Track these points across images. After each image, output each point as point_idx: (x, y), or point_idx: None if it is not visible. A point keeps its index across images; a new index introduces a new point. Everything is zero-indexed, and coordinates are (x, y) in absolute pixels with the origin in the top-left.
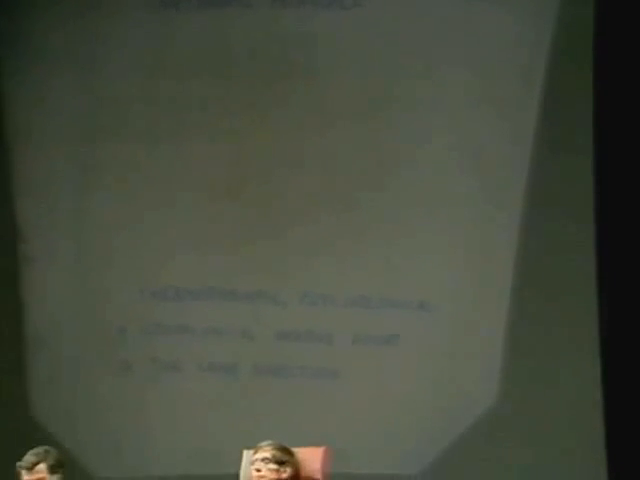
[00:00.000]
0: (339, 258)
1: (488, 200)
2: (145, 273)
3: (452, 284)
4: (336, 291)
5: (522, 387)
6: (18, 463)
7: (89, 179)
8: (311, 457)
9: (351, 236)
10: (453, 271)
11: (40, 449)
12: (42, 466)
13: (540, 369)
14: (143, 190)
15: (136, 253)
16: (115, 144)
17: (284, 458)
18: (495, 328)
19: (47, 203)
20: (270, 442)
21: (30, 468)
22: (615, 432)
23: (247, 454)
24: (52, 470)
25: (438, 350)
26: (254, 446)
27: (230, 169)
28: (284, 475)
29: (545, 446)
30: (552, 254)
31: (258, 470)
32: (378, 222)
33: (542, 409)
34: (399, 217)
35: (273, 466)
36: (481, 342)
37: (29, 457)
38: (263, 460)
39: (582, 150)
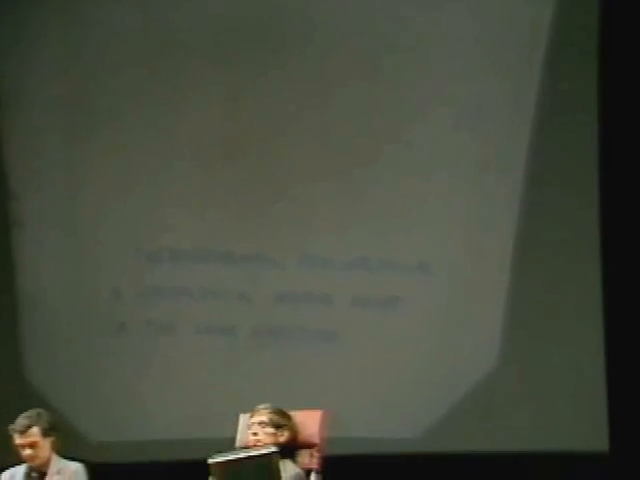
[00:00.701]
0: (338, 220)
1: (488, 168)
2: (140, 234)
3: (453, 246)
4: (335, 253)
5: (523, 351)
6: (10, 426)
7: (82, 138)
8: (309, 421)
9: (351, 198)
10: (453, 233)
11: (33, 412)
12: (35, 429)
13: (541, 333)
14: (139, 150)
15: (131, 214)
16: (110, 103)
17: (281, 422)
18: (496, 291)
19: (39, 164)
20: (267, 405)
21: (23, 431)
22: (617, 394)
23: (244, 418)
24: (45, 433)
25: (438, 313)
26: (251, 410)
27: (228, 130)
28: (281, 439)
29: (545, 410)
30: (554, 219)
31: (255, 434)
32: (378, 185)
33: (543, 373)
34: (399, 181)
35: (270, 430)
36: (481, 305)
37: (21, 420)
38: (260, 424)
39: (586, 118)
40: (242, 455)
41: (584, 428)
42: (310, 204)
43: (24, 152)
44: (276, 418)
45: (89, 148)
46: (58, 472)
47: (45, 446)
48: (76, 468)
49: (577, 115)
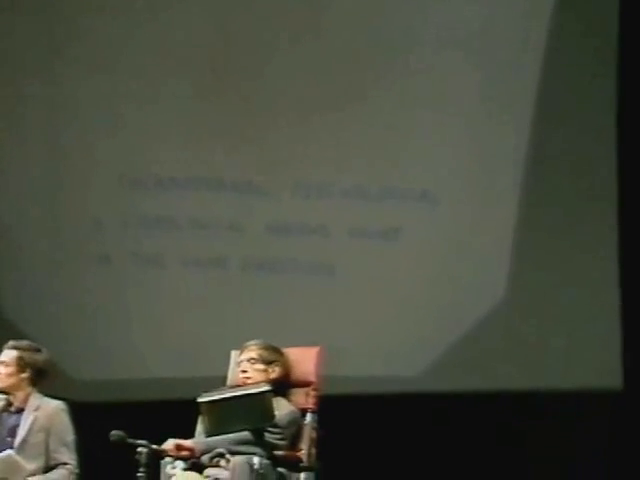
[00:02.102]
0: (335, 149)
1: (494, 96)
2: (124, 159)
3: (457, 174)
4: (331, 181)
5: (530, 285)
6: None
7: (64, 63)
8: (304, 358)
9: (349, 128)
10: (458, 161)
11: (34, 345)
12: (14, 354)
13: (550, 266)
14: (125, 75)
15: (114, 138)
16: (96, 23)
17: (271, 357)
18: (503, 222)
19: (19, 89)
20: (256, 341)
21: (7, 349)
22: (632, 329)
23: (235, 355)
24: (20, 365)
25: (441, 245)
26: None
27: (219, 57)
28: (272, 375)
29: (554, 347)
30: (566, 147)
31: (244, 371)
32: (378, 115)
33: (551, 308)
34: (400, 106)
35: (260, 366)
36: (487, 237)
37: (15, 342)
38: (249, 360)
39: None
40: (232, 394)
41: (596, 365)
42: (305, 134)
43: (3, 77)
44: (266, 354)
45: (71, 74)
46: (37, 409)
47: (18, 377)
48: (56, 405)
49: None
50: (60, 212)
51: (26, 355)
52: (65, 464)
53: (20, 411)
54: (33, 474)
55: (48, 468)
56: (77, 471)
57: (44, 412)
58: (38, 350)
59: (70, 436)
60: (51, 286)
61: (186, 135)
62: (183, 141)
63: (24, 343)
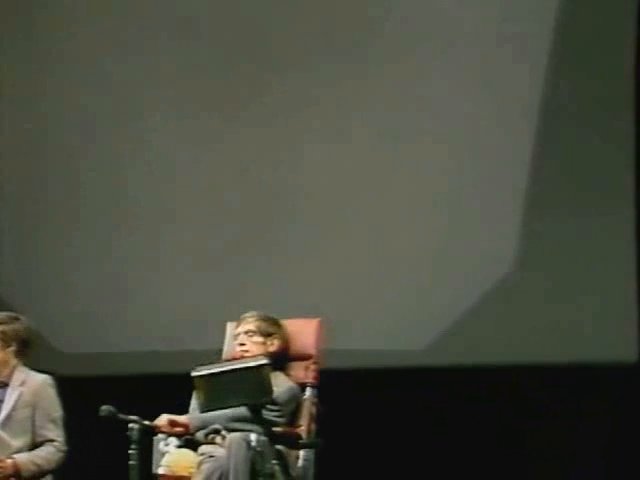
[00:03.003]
0: (341, 96)
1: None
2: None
3: (467, 133)
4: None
5: (543, 253)
6: None
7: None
8: (304, 330)
9: (358, 68)
10: (469, 120)
11: (13, 315)
12: None
13: (564, 232)
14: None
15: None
16: None
17: (271, 330)
18: (512, 189)
19: None
20: (253, 313)
21: None
22: None
23: (231, 327)
24: (4, 340)
25: (448, 213)
26: (238, 318)
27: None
28: (271, 348)
29: (567, 318)
30: (581, 98)
31: (242, 344)
32: (387, 55)
33: (565, 277)
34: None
35: (258, 339)
36: (497, 198)
37: None
38: (247, 333)
39: None
40: (228, 367)
41: (611, 337)
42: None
43: None
44: (265, 326)
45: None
46: (22, 383)
47: (4, 353)
48: (43, 380)
49: None
50: (44, 175)
51: (8, 328)
52: (52, 441)
53: (4, 386)
54: (19, 451)
55: (34, 445)
56: (64, 448)
57: (30, 387)
58: (17, 319)
59: (57, 412)
60: (36, 256)
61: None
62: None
63: (2, 315)
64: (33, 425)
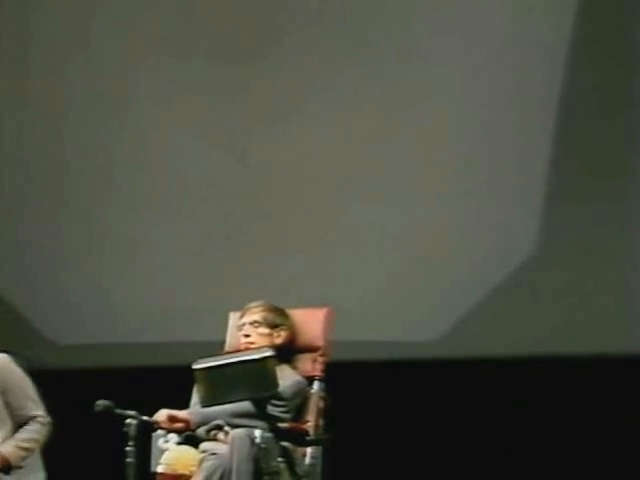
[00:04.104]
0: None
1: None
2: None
3: (485, 115)
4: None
5: (563, 239)
6: None
7: None
8: (310, 320)
9: (367, 55)
10: (487, 101)
11: None
12: None
13: (585, 217)
14: None
15: None
16: None
17: (277, 321)
18: (531, 171)
19: None
20: (259, 303)
21: None
22: None
23: (234, 317)
24: None
25: (463, 195)
26: (241, 308)
27: None
28: (277, 340)
29: (586, 308)
30: (599, 86)
31: (247, 335)
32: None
33: (585, 265)
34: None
35: (264, 330)
36: (514, 186)
37: None
38: (252, 324)
39: None
40: (232, 360)
41: (631, 328)
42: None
43: None
44: (271, 316)
45: None
46: None
47: None
48: (2, 362)
49: None
50: (29, 161)
51: None
52: (34, 417)
53: None
54: (3, 441)
55: (18, 426)
56: (49, 419)
57: None
58: None
59: (29, 385)
60: (25, 242)
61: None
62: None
63: None
64: (10, 409)
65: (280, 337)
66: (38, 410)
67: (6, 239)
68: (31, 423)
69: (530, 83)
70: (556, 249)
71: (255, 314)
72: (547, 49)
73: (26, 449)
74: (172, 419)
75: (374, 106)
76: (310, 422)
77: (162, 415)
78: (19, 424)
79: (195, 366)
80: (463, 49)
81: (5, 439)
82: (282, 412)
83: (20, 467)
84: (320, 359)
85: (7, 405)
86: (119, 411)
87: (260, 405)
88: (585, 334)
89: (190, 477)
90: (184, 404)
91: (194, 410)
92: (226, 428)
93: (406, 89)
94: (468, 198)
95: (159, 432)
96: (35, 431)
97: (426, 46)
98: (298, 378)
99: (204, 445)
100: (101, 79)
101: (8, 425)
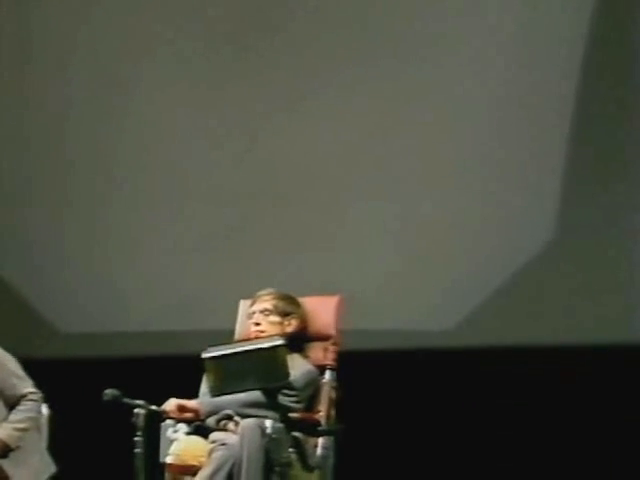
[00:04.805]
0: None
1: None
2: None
3: (501, 102)
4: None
5: (583, 225)
6: None
7: None
8: (322, 308)
9: (379, 53)
10: (503, 88)
11: None
12: None
13: (605, 199)
14: None
15: None
16: None
17: (288, 309)
18: (550, 155)
19: None
20: (270, 290)
21: None
22: None
23: (244, 305)
24: None
25: (480, 180)
26: (252, 295)
27: None
28: (288, 329)
29: (606, 297)
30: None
31: (257, 324)
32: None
33: (605, 252)
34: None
35: (275, 318)
36: (532, 171)
37: None
38: (263, 312)
39: None
40: (242, 348)
41: None
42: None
43: None
44: (282, 305)
45: None
46: None
47: None
48: None
49: None
50: (32, 148)
51: None
52: (24, 395)
53: None
54: None
55: (10, 407)
56: (40, 395)
57: None
58: None
59: (13, 363)
60: (31, 229)
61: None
62: None
63: None
64: (0, 393)
65: (291, 325)
66: (26, 387)
67: (10, 225)
68: (22, 402)
69: (552, 60)
70: (573, 237)
71: (266, 302)
72: (569, 28)
73: (22, 429)
74: (181, 409)
75: (381, 101)
76: (322, 412)
77: (171, 405)
78: (10, 405)
79: (204, 355)
80: (475, 40)
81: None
82: (293, 402)
83: (19, 447)
84: (332, 348)
85: None
86: (127, 400)
87: (271, 395)
88: (606, 322)
89: (199, 468)
90: (193, 393)
91: (203, 400)
92: (236, 418)
93: (414, 83)
94: (488, 183)
95: (168, 422)
96: (28, 409)
97: (439, 37)
98: (309, 367)
99: (214, 435)
100: (102, 75)
101: (2, 410)
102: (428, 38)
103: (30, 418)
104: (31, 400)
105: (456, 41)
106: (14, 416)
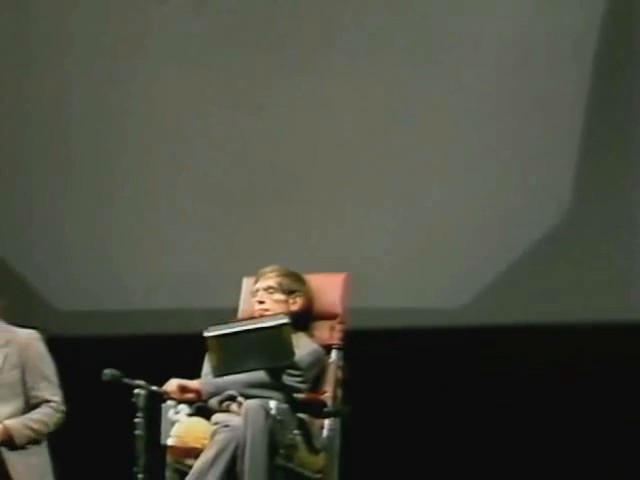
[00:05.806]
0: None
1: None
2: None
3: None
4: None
5: (598, 203)
6: None
7: None
8: (328, 285)
9: (387, 45)
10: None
11: None
12: None
13: (621, 180)
14: None
15: None
16: None
17: (293, 286)
18: (565, 131)
19: None
20: (274, 268)
21: None
22: None
23: (248, 282)
24: None
25: (494, 153)
26: (255, 272)
27: None
28: (293, 307)
29: (621, 274)
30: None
31: (261, 302)
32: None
33: (621, 229)
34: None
35: (279, 296)
36: (546, 148)
37: None
38: (267, 289)
39: None
40: (246, 327)
41: None
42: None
43: None
44: (287, 282)
45: None
46: (6, 344)
47: None
48: (28, 335)
49: None
50: (33, 124)
51: None
52: (48, 401)
53: None
54: (11, 417)
55: (30, 408)
56: (63, 407)
57: (15, 346)
58: None
59: (50, 368)
60: (27, 207)
61: None
62: None
63: None
64: (25, 387)
65: (296, 304)
66: (54, 395)
67: (8, 203)
68: (43, 406)
69: (565, 36)
70: (589, 213)
71: (270, 279)
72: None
73: (33, 429)
74: (183, 389)
75: (394, 88)
76: (328, 393)
77: (172, 385)
78: (31, 406)
79: (207, 333)
80: (478, 36)
81: (14, 415)
82: (298, 382)
83: (24, 448)
84: (338, 327)
85: (23, 382)
86: (127, 381)
87: (275, 375)
88: (619, 300)
89: (202, 450)
90: (195, 374)
91: (206, 380)
92: (239, 399)
93: (417, 78)
94: (498, 158)
95: (169, 403)
96: (46, 415)
97: (442, 34)
98: (315, 347)
99: (216, 417)
100: (103, 74)
101: (20, 403)
102: (431, 34)
103: (45, 423)
104: (52, 408)
105: (458, 38)
106: (30, 414)
